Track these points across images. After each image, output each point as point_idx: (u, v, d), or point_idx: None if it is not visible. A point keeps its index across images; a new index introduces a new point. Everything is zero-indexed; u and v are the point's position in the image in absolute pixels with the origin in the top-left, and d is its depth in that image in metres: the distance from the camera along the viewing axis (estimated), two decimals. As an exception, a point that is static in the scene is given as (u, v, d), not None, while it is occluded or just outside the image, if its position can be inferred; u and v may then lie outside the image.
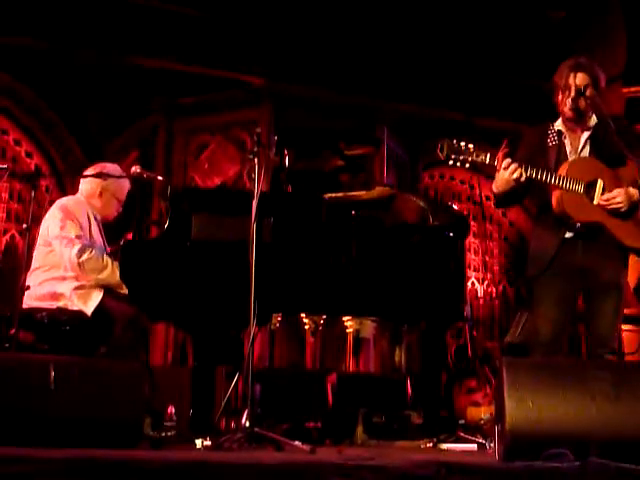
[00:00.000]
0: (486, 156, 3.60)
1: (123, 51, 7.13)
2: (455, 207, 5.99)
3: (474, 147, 3.60)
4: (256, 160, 3.83)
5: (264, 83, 7.23)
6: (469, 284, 8.04)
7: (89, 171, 4.50)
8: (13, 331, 3.84)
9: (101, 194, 4.46)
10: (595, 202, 3.66)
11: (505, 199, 3.85)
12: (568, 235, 3.74)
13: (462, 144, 3.59)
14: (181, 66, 7.26)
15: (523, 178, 3.59)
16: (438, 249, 4.46)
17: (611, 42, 7.70)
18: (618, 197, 3.66)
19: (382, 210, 4.89)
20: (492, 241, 8.40)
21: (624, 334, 6.26)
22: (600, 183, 3.67)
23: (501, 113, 7.61)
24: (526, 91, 7.43)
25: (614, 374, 2.90)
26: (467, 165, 3.60)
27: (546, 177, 3.61)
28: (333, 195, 4.82)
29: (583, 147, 3.80)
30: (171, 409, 4.16)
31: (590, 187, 3.66)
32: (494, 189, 3.79)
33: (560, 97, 3.76)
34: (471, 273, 8.15)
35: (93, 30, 6.89)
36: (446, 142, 3.61)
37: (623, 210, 3.67)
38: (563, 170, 3.66)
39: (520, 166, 3.59)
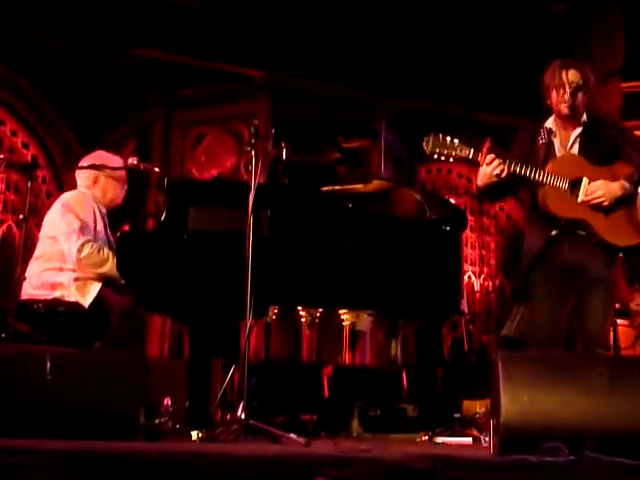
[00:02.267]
0: (470, 151, 3.63)
1: (122, 43, 7.11)
2: (452, 201, 5.98)
3: (459, 142, 3.62)
4: (253, 152, 3.83)
5: (263, 76, 7.22)
6: (466, 278, 8.05)
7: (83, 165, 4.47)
8: (10, 320, 3.83)
9: (96, 181, 4.42)
10: (580, 199, 3.67)
11: (488, 193, 3.86)
12: (554, 233, 3.75)
13: (447, 138, 3.62)
14: (180, 58, 7.25)
15: (504, 174, 3.61)
16: (435, 243, 4.46)
17: (610, 37, 7.70)
18: (598, 191, 3.67)
19: (379, 203, 4.89)
20: (489, 235, 8.41)
21: (619, 329, 6.27)
22: (585, 180, 3.67)
23: (500, 108, 7.61)
24: (525, 85, 7.42)
25: (610, 368, 2.91)
26: (451, 159, 3.63)
27: (530, 173, 3.62)
28: (330, 188, 4.81)
29: (572, 145, 3.80)
30: (167, 401, 4.17)
31: (575, 184, 3.67)
32: (478, 182, 3.80)
33: (555, 96, 3.76)
34: (468, 267, 8.16)
35: (93, 22, 6.87)
36: (432, 136, 3.63)
37: (605, 204, 3.67)
38: (549, 167, 3.67)
39: (504, 162, 3.61)
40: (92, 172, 4.40)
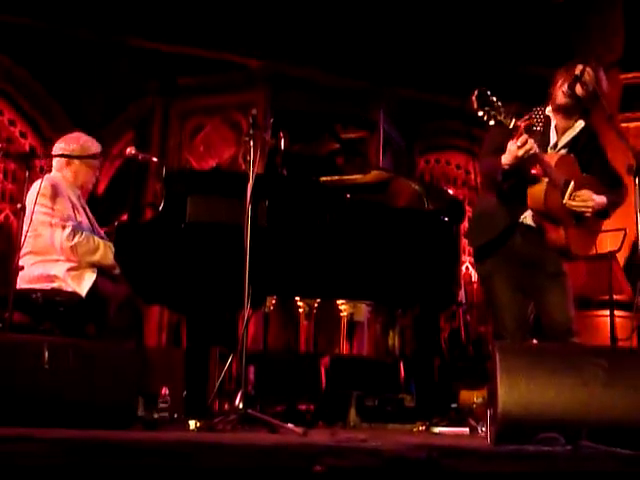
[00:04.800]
0: (511, 121, 3.48)
1: (120, 32, 7.10)
2: (451, 192, 5.98)
3: (502, 106, 3.47)
4: (252, 142, 3.82)
5: (261, 65, 7.21)
6: (463, 268, 8.05)
7: (56, 148, 4.44)
8: (7, 310, 3.82)
9: (69, 163, 4.38)
10: (564, 201, 3.68)
11: (510, 174, 3.74)
12: (520, 220, 3.77)
13: (494, 99, 3.47)
14: (178, 48, 7.24)
15: (532, 152, 3.51)
16: (433, 233, 4.46)
17: (609, 28, 7.69)
18: (590, 202, 3.72)
19: (378, 194, 4.89)
20: (487, 226, 8.38)
21: (617, 320, 6.29)
22: (572, 185, 3.70)
23: (498, 97, 7.60)
24: (525, 77, 7.42)
25: (608, 360, 2.91)
26: (492, 122, 3.45)
27: (546, 167, 3.60)
28: (329, 178, 4.81)
29: (566, 145, 3.81)
30: (165, 390, 4.18)
31: (564, 186, 3.69)
32: (504, 161, 3.62)
33: (560, 82, 3.74)
34: (466, 257, 8.16)
35: (91, 11, 6.86)
36: (482, 91, 3.48)
37: (587, 215, 3.73)
38: (552, 161, 3.66)
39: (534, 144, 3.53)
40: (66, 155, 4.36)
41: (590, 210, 3.72)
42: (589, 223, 3.79)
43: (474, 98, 3.47)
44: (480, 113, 3.46)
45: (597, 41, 7.47)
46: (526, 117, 3.60)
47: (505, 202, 3.80)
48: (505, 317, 3.80)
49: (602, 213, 3.82)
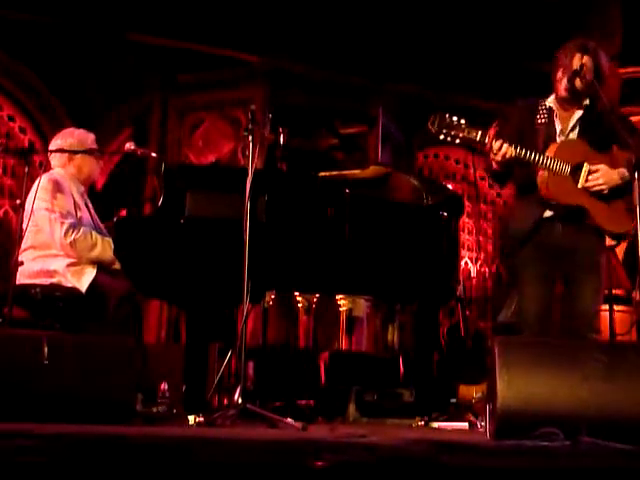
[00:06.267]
0: (477, 133, 3.55)
1: (120, 27, 7.08)
2: (450, 187, 5.98)
3: (466, 123, 3.54)
4: (250, 138, 3.82)
5: (260, 61, 7.20)
6: (463, 264, 8.06)
7: (53, 146, 4.43)
8: (7, 305, 3.83)
9: (71, 158, 4.38)
10: (580, 185, 3.67)
11: (499, 176, 3.83)
12: (548, 214, 3.75)
13: (454, 118, 3.53)
14: (178, 43, 7.22)
15: (508, 155, 3.55)
16: (432, 228, 4.46)
17: (608, 23, 7.68)
18: (600, 178, 3.67)
19: (377, 189, 4.88)
20: (486, 221, 8.40)
21: (616, 315, 6.29)
22: (586, 167, 3.67)
23: (498, 94, 7.59)
24: (525, 73, 7.40)
25: (607, 354, 2.91)
26: (457, 141, 3.53)
27: (534, 158, 3.60)
28: (328, 173, 4.81)
29: (573, 128, 3.79)
30: (164, 386, 4.18)
31: (576, 170, 3.66)
32: (494, 165, 3.70)
33: (559, 75, 3.74)
34: (465, 253, 8.17)
35: (91, 6, 6.84)
36: (438, 115, 3.54)
37: (605, 192, 3.68)
38: (551, 151, 3.65)
39: (510, 145, 3.55)
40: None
41: (604, 187, 3.67)
42: (619, 200, 3.72)
43: (429, 125, 3.52)
44: (441, 137, 3.53)
45: (596, 36, 7.44)
46: (494, 125, 3.63)
47: (526, 200, 3.81)
48: (527, 308, 3.81)
49: (627, 185, 3.72)
